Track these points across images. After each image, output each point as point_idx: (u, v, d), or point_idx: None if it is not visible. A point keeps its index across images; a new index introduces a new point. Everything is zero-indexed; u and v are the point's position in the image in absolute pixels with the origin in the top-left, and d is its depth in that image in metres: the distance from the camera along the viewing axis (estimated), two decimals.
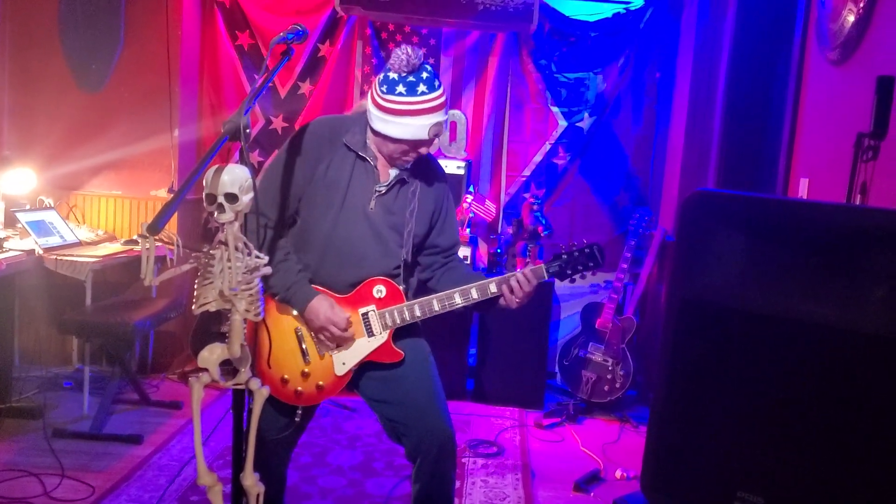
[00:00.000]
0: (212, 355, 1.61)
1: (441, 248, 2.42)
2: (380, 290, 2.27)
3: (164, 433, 3.69)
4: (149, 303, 4.03)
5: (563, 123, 4.86)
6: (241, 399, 1.69)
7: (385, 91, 2.13)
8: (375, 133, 2.20)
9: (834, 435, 1.80)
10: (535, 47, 4.80)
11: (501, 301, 2.27)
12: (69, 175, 4.55)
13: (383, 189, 2.27)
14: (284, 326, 2.27)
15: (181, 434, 3.69)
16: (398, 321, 2.27)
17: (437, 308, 2.26)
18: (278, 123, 4.86)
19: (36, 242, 3.82)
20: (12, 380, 3.98)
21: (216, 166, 1.55)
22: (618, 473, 3.58)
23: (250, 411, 1.70)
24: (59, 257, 3.77)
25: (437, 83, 2.15)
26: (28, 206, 4.17)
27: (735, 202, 1.88)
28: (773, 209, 1.81)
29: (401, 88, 2.11)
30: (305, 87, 4.83)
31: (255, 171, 4.98)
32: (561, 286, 4.90)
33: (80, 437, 3.57)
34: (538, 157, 4.89)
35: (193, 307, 1.60)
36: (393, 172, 2.28)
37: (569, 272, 2.30)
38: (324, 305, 2.21)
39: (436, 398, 2.32)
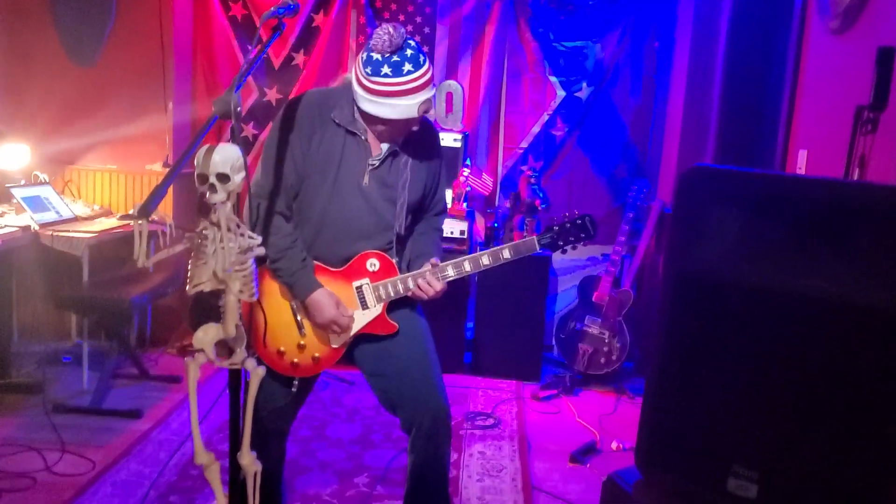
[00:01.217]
0: (206, 335, 1.61)
1: (431, 212, 2.46)
2: (373, 264, 2.28)
3: (164, 408, 3.71)
4: (146, 277, 4.02)
5: (561, 93, 4.82)
6: (237, 379, 1.69)
7: (370, 73, 2.08)
8: (363, 113, 2.18)
9: (830, 409, 1.81)
10: (532, 15, 4.74)
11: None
12: (64, 150, 4.52)
13: (376, 163, 2.25)
14: (280, 300, 2.28)
15: (180, 408, 3.71)
16: (391, 294, 2.28)
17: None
18: (272, 95, 4.82)
19: (32, 218, 3.81)
20: (11, 356, 4.00)
21: (207, 146, 1.53)
22: (614, 445, 3.61)
23: (246, 391, 1.70)
24: (55, 233, 3.76)
25: (422, 58, 2.11)
26: (23, 182, 4.15)
27: (732, 178, 1.86)
28: (769, 185, 1.80)
29: (386, 69, 2.06)
30: (299, 58, 4.78)
31: (248, 145, 4.93)
32: (558, 259, 4.90)
33: (80, 412, 3.59)
34: (536, 129, 4.86)
35: (187, 288, 1.59)
36: (385, 145, 2.27)
37: (560, 243, 2.33)
38: (329, 304, 2.21)
39: (431, 371, 2.33)
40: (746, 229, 1.84)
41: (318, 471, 3.18)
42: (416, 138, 2.29)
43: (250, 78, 4.74)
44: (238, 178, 1.55)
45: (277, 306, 2.27)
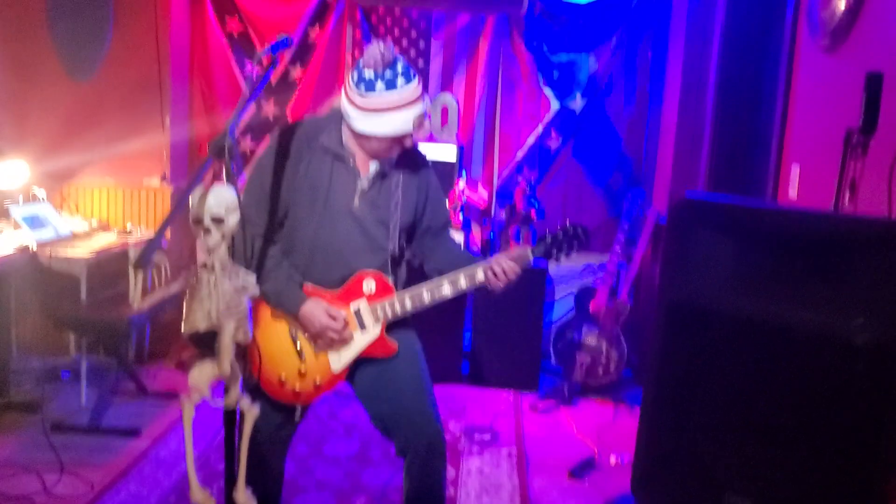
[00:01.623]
0: (202, 374, 1.63)
1: (431, 230, 2.45)
2: (369, 284, 2.29)
3: (162, 424, 3.72)
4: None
5: (555, 105, 4.83)
6: (232, 417, 1.71)
7: (364, 90, 2.11)
8: (357, 133, 2.19)
9: (818, 438, 1.83)
10: (526, 28, 4.76)
11: (488, 285, 2.29)
12: (61, 165, 4.53)
13: (366, 185, 2.27)
14: (278, 328, 2.29)
15: (178, 425, 3.72)
16: (390, 314, 2.29)
17: (427, 299, 2.29)
18: (269, 109, 4.84)
19: (30, 237, 3.82)
20: (10, 373, 4.01)
21: (202, 187, 1.55)
22: (612, 459, 3.62)
23: (241, 429, 1.72)
24: (52, 253, 3.77)
25: (412, 73, 2.15)
26: (21, 199, 4.16)
27: (721, 209, 1.89)
28: (758, 217, 1.82)
29: (380, 85, 2.10)
30: (296, 73, 4.80)
31: (245, 160, 4.92)
32: (554, 268, 4.92)
33: (78, 431, 3.60)
34: (531, 140, 4.88)
35: (182, 329, 1.61)
36: (373, 167, 2.28)
37: (554, 251, 2.35)
38: (318, 311, 2.22)
39: (425, 396, 2.34)
40: (736, 260, 1.86)
41: (316, 491, 3.19)
42: (402, 158, 2.31)
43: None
44: (233, 219, 1.56)
45: (276, 335, 2.28)
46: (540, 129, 4.85)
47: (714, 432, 1.92)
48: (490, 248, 4.64)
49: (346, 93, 2.17)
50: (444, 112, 4.62)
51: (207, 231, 1.53)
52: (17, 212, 3.93)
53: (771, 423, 1.86)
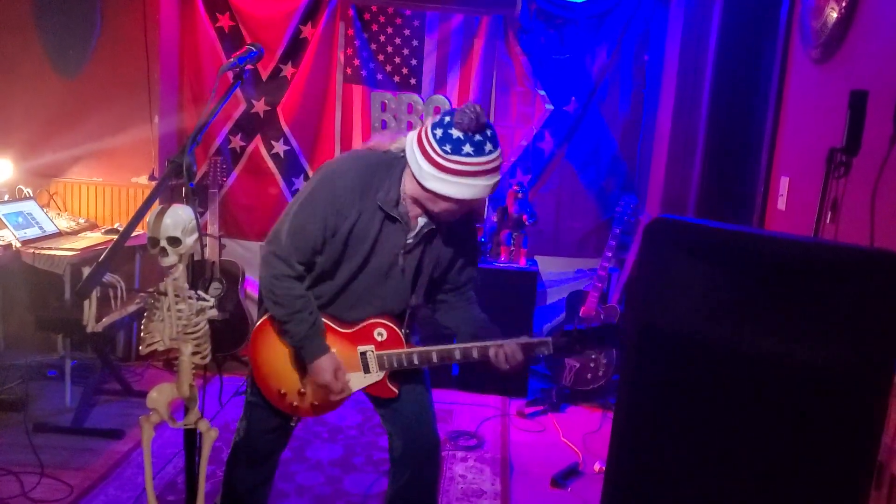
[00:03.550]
0: (161, 395, 1.60)
1: (455, 284, 2.39)
2: (381, 334, 2.27)
3: None
4: (130, 296, 4.01)
5: (549, 107, 4.78)
6: (192, 439, 1.68)
7: (450, 151, 1.95)
8: (426, 190, 2.03)
9: (793, 468, 1.80)
10: (521, 29, 4.70)
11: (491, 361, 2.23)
12: (48, 163, 4.51)
13: (412, 241, 2.19)
14: (286, 349, 2.29)
15: (162, 427, 3.68)
16: (395, 365, 2.27)
17: (435, 360, 2.25)
18: (260, 107, 4.79)
19: (14, 235, 3.80)
20: None
21: (159, 208, 1.52)
22: (596, 467, 3.60)
23: (200, 451, 1.70)
24: (36, 251, 3.75)
25: (497, 140, 2.03)
26: (6, 197, 4.14)
27: (695, 231, 1.84)
28: (731, 241, 1.78)
29: (468, 149, 1.95)
30: (287, 70, 4.75)
31: (235, 157, 4.88)
32: (546, 272, 4.89)
33: (60, 432, 3.59)
34: (524, 142, 4.83)
35: (140, 348, 1.58)
36: (421, 221, 2.17)
37: (577, 347, 2.26)
38: (328, 369, 2.19)
39: (427, 408, 2.39)
40: (710, 285, 1.82)
41: (296, 496, 3.17)
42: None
43: (238, 90, 4.70)
44: (190, 240, 1.53)
45: (283, 350, 2.29)
46: (533, 130, 4.80)
47: (686, 461, 1.89)
48: (481, 251, 4.60)
49: (422, 146, 2.01)
50: (437, 113, 4.57)
51: (164, 252, 1.50)
52: (2, 210, 3.91)
53: (744, 451, 1.83)
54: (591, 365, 4.35)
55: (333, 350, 2.23)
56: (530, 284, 4.49)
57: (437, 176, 1.98)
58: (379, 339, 2.26)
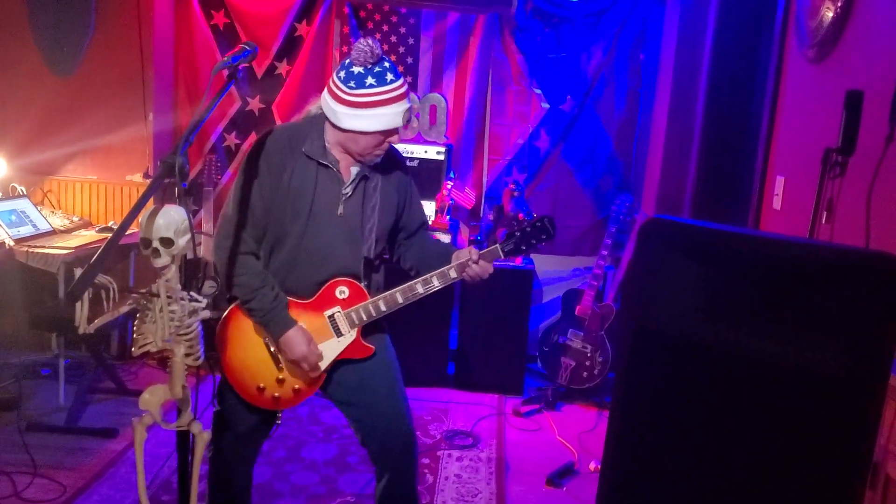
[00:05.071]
0: (153, 397, 1.59)
1: (409, 231, 2.47)
2: (342, 291, 2.28)
3: None
4: (122, 296, 3.99)
5: (545, 106, 4.77)
6: (184, 441, 1.68)
7: (354, 86, 2.11)
8: (345, 131, 2.17)
9: (787, 470, 1.79)
10: (517, 27, 4.69)
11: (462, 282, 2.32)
12: (43, 160, 4.49)
13: (349, 191, 2.26)
14: (254, 337, 2.29)
15: (156, 427, 3.68)
16: (364, 318, 2.29)
17: (400, 300, 2.29)
18: (255, 105, 4.78)
19: (7, 233, 3.78)
20: None
21: (152, 208, 1.51)
22: (591, 466, 3.60)
23: (193, 452, 1.69)
24: (30, 249, 3.74)
25: (399, 68, 2.17)
26: (0, 195, 4.12)
27: (690, 232, 1.84)
28: (726, 241, 1.77)
29: (370, 80, 2.10)
30: (282, 68, 4.74)
31: (230, 154, 4.86)
32: (543, 271, 4.88)
33: (54, 431, 3.58)
34: (520, 141, 4.82)
35: (133, 349, 1.57)
36: (354, 170, 2.27)
37: (523, 248, 2.35)
38: (300, 341, 2.22)
39: (399, 398, 2.40)
40: (704, 285, 1.82)
41: (290, 497, 3.16)
42: (382, 161, 2.30)
43: (233, 88, 4.70)
44: (182, 241, 1.53)
45: (252, 344, 2.28)
46: (529, 129, 4.79)
47: (681, 463, 1.88)
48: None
49: (331, 92, 2.16)
50: (433, 111, 4.57)
51: (156, 253, 1.49)
52: None
53: (739, 450, 1.82)
54: (587, 363, 4.35)
55: (301, 323, 2.24)
56: (526, 283, 4.48)
57: (349, 113, 2.12)
58: (341, 297, 2.27)
